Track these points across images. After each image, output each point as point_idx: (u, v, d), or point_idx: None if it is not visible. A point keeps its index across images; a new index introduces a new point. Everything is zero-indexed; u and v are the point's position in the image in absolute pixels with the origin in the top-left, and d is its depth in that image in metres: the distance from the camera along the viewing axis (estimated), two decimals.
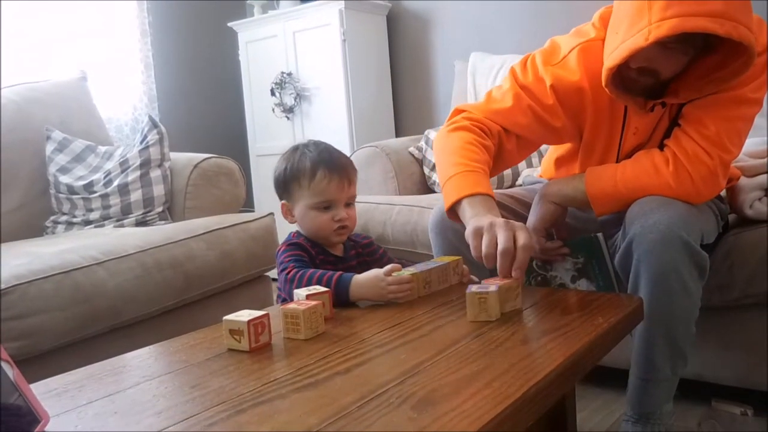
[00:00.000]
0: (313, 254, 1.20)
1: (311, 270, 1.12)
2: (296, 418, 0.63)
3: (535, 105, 1.27)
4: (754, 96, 1.20)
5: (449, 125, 1.33)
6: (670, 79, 1.21)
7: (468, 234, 1.08)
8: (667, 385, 1.22)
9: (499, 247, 1.00)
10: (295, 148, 1.26)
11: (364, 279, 1.08)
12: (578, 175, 1.30)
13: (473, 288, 0.95)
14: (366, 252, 1.31)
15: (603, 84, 1.17)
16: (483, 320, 0.92)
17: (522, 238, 1.01)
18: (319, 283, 1.08)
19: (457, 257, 1.20)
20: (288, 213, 1.27)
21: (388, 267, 1.09)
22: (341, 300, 1.07)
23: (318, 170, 1.20)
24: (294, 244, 1.20)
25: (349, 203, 1.24)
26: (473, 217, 1.12)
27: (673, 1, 1.04)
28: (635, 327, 1.09)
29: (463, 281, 1.19)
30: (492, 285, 0.94)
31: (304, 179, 1.21)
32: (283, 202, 1.27)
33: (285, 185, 1.25)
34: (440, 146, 1.31)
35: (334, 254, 1.24)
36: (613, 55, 1.13)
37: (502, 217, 1.35)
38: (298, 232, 1.25)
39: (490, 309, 0.92)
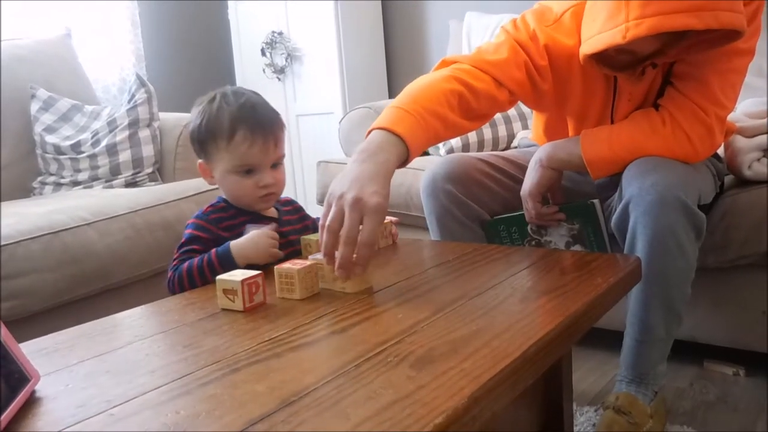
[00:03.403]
0: (214, 229, 1.06)
1: (186, 263, 1.01)
2: (292, 377, 0.62)
3: (530, 62, 1.21)
4: (746, 46, 1.18)
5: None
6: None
7: (330, 187, 0.92)
8: (661, 346, 1.22)
9: (343, 232, 0.86)
10: (212, 99, 1.08)
11: (244, 240, 1.01)
12: (573, 139, 1.27)
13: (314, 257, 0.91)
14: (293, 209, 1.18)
15: (581, 62, 1.15)
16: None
17: (366, 231, 0.86)
18: (200, 269, 0.99)
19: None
20: (207, 174, 1.11)
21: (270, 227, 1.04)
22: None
23: (238, 130, 1.03)
24: (195, 224, 1.07)
25: (276, 164, 1.09)
26: (356, 154, 0.97)
27: None
28: (632, 288, 1.09)
29: (395, 241, 1.18)
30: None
31: (222, 139, 1.04)
32: (200, 161, 1.11)
33: (201, 143, 1.08)
34: (406, 88, 1.14)
35: (266, 216, 1.11)
36: (590, 42, 1.11)
37: (484, 177, 1.33)
38: (219, 197, 1.13)
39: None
